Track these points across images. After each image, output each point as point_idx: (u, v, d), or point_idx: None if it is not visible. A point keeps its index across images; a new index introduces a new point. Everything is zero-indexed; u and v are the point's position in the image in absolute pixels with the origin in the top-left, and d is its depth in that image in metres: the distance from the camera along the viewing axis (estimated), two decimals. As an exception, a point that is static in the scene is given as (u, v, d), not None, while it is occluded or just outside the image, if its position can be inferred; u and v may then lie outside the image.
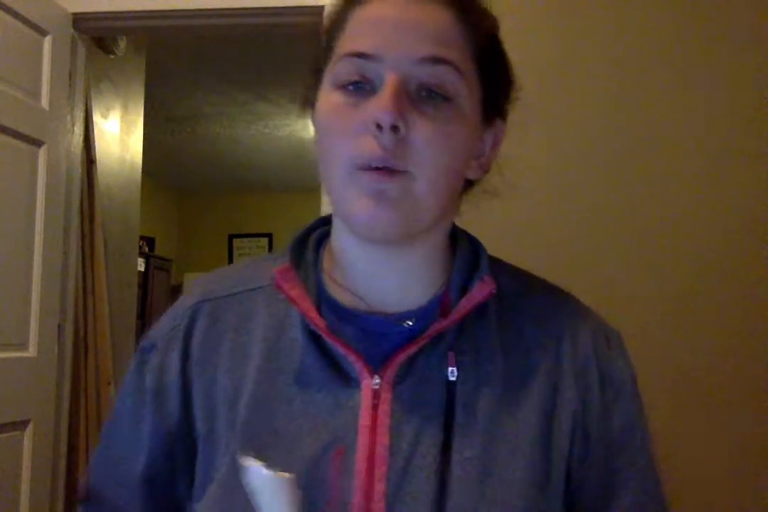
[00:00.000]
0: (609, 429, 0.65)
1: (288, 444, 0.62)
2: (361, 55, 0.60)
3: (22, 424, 2.09)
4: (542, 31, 2.05)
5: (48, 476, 2.21)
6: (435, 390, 0.62)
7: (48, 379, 2.22)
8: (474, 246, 0.70)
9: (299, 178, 6.14)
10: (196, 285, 0.74)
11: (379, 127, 0.57)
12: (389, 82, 0.58)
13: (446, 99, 0.60)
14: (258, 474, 0.57)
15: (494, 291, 0.64)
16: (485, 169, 0.69)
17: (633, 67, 2.02)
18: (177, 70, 4.03)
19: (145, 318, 5.29)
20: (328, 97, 0.62)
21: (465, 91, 0.61)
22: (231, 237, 6.92)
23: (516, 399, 0.63)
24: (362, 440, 0.61)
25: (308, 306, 0.64)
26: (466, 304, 0.63)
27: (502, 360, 0.64)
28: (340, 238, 0.68)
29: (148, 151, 3.50)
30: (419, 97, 0.60)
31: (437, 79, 0.60)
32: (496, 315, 0.66)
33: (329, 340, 0.63)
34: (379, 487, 0.60)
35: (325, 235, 0.72)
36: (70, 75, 2.34)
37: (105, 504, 0.73)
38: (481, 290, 0.64)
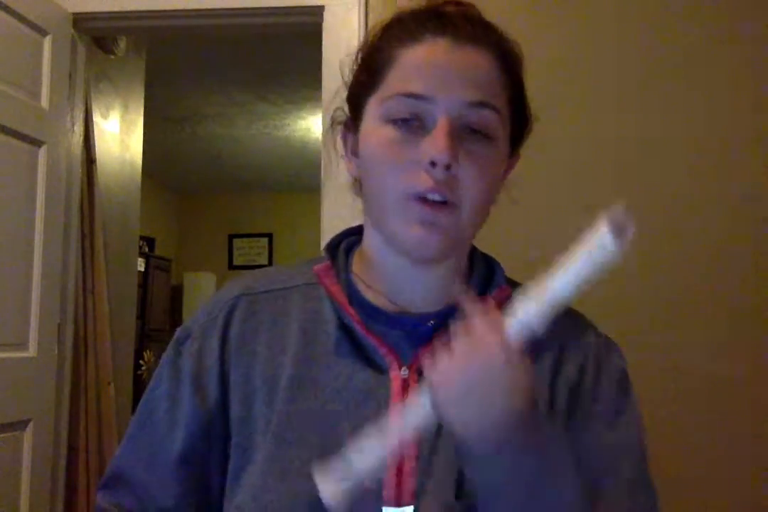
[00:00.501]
0: (591, 413, 0.71)
1: (325, 427, 0.69)
2: (415, 96, 0.66)
3: (22, 424, 2.09)
4: (547, 35, 2.05)
5: (48, 476, 2.21)
6: None
7: (48, 379, 2.22)
8: (488, 261, 0.78)
9: (299, 178, 6.14)
10: (234, 282, 0.80)
11: (433, 164, 0.65)
12: (442, 123, 0.65)
13: (488, 138, 0.68)
14: None
15: (510, 295, 0.71)
16: (501, 190, 0.76)
17: (638, 72, 2.02)
18: (177, 70, 4.03)
19: (145, 318, 5.30)
20: (379, 131, 0.68)
21: (502, 132, 0.70)
22: (231, 237, 6.92)
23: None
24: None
25: (345, 301, 0.72)
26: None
27: None
28: (379, 251, 0.74)
29: (148, 151, 3.50)
30: (465, 135, 0.67)
31: (482, 121, 0.67)
32: None
33: (362, 333, 0.71)
34: (409, 465, 0.67)
35: (354, 244, 0.79)
36: (70, 75, 2.34)
37: (132, 489, 0.75)
38: (499, 294, 0.72)
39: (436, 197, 0.65)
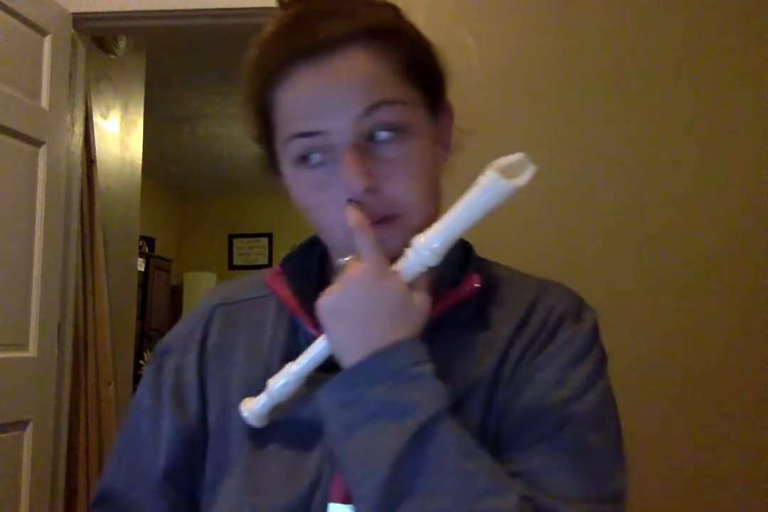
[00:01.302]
0: (535, 375, 0.66)
1: (302, 431, 0.67)
2: (305, 135, 0.64)
3: (22, 424, 2.09)
4: (544, 29, 2.05)
5: (48, 476, 2.21)
6: None
7: (48, 379, 2.22)
8: (464, 245, 0.75)
9: (299, 178, 6.14)
10: (211, 293, 0.80)
11: (354, 195, 0.63)
12: (344, 152, 0.62)
13: (398, 130, 0.64)
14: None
15: (478, 285, 0.69)
16: (449, 148, 0.73)
17: (634, 66, 2.02)
18: (177, 70, 4.03)
19: (145, 318, 5.30)
20: (295, 175, 0.67)
21: (409, 113, 0.65)
22: (231, 237, 6.92)
23: (471, 364, 0.67)
24: None
25: (296, 305, 0.71)
26: (449, 300, 0.69)
27: (469, 335, 0.69)
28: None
29: (148, 151, 3.50)
30: (373, 144, 0.64)
31: (380, 120, 0.63)
32: (477, 302, 0.71)
33: (315, 334, 0.68)
34: None
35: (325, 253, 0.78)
36: (70, 75, 2.34)
37: (119, 504, 0.73)
38: (466, 286, 0.69)
39: (374, 219, 0.63)
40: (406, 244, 0.63)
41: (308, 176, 0.65)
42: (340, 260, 0.66)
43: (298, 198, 0.68)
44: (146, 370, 0.77)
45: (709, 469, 1.86)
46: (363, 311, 0.61)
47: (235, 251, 6.92)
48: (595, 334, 0.70)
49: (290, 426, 0.68)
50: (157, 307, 5.64)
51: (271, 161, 0.71)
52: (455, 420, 0.59)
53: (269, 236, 6.88)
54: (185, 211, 7.02)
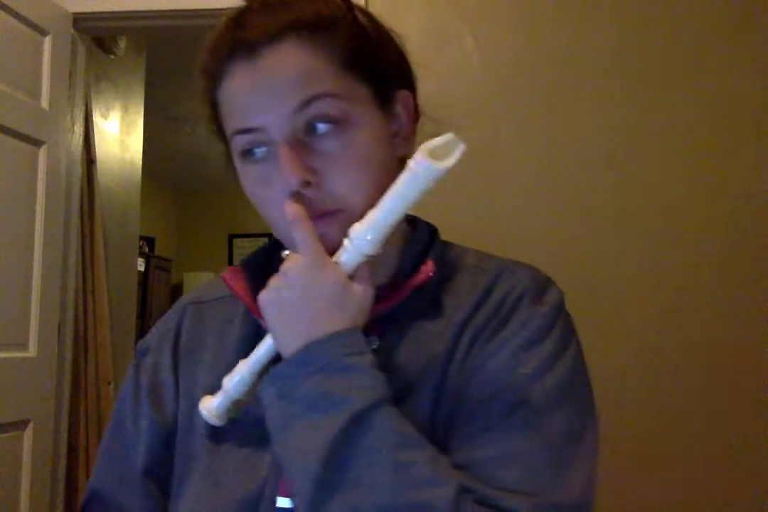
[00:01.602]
0: (485, 362, 0.64)
1: (258, 428, 0.65)
2: (244, 131, 0.64)
3: (22, 424, 2.09)
4: (544, 29, 2.05)
5: (48, 476, 2.21)
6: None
7: (48, 379, 2.22)
8: (431, 230, 0.74)
9: (299, 178, 6.14)
10: (188, 294, 0.82)
11: (293, 189, 0.62)
12: (280, 147, 0.63)
13: (337, 122, 0.63)
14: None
15: (431, 274, 0.66)
16: (411, 139, 0.71)
17: (634, 66, 2.02)
18: (177, 70, 4.02)
19: (145, 318, 5.30)
20: (242, 170, 0.67)
21: (348, 105, 0.64)
22: (231, 237, 6.92)
23: (425, 354, 0.66)
24: None
25: (250, 302, 0.69)
26: (406, 287, 0.67)
27: (425, 324, 0.68)
28: None
29: (148, 151, 3.50)
30: (313, 137, 0.63)
31: (317, 113, 0.62)
32: (433, 290, 0.69)
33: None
34: None
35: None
36: (70, 75, 2.34)
37: (107, 504, 0.74)
38: (421, 274, 0.67)
39: (314, 214, 0.63)
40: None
41: (253, 171, 0.66)
42: (282, 253, 0.67)
43: (247, 193, 0.68)
44: (128, 371, 0.78)
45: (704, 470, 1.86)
46: (300, 303, 0.61)
47: (235, 251, 6.91)
48: (556, 315, 0.66)
49: (247, 424, 0.68)
50: (157, 307, 5.64)
51: (228, 157, 0.71)
52: (394, 411, 0.58)
53: (269, 236, 6.83)
54: (185, 211, 7.02)
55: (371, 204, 0.62)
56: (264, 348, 0.66)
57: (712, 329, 1.92)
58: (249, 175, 0.67)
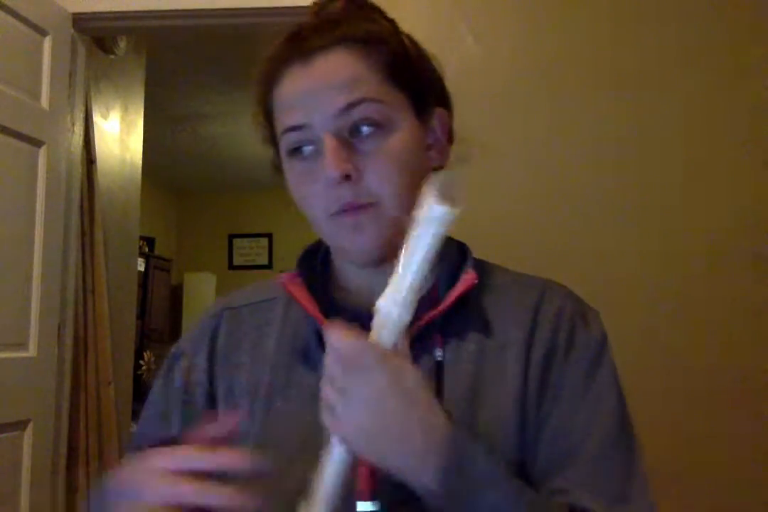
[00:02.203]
0: (564, 383, 0.70)
1: (302, 433, 0.68)
2: (293, 128, 0.71)
3: (22, 424, 2.09)
4: (544, 30, 2.05)
5: (48, 476, 2.21)
6: (426, 370, 0.69)
7: (48, 379, 2.22)
8: (460, 246, 0.78)
9: (299, 178, 6.13)
10: (220, 299, 0.85)
11: (333, 181, 0.68)
12: (325, 143, 0.69)
13: (379, 126, 0.70)
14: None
15: (476, 281, 0.71)
16: (445, 154, 0.77)
17: (634, 66, 2.02)
18: (177, 70, 4.02)
19: (145, 318, 5.29)
20: (289, 167, 0.74)
21: (390, 111, 0.71)
22: (231, 237, 6.91)
23: (496, 370, 0.71)
24: None
25: (312, 306, 0.73)
26: (452, 295, 0.71)
27: (483, 338, 0.72)
28: (337, 259, 0.79)
29: (148, 151, 3.50)
30: (356, 138, 0.70)
31: (361, 115, 0.69)
32: (479, 302, 0.74)
33: None
34: None
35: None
36: (70, 75, 2.34)
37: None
38: (464, 282, 0.71)
39: (350, 206, 0.69)
40: (381, 235, 0.69)
41: (299, 167, 0.72)
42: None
43: (292, 190, 0.74)
44: (160, 374, 0.81)
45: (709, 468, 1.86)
46: (398, 413, 0.58)
47: (235, 251, 6.91)
48: (605, 336, 0.74)
49: (293, 422, 0.71)
50: (157, 307, 5.64)
51: (277, 160, 0.77)
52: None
53: (269, 236, 6.88)
54: (185, 211, 7.01)
55: (401, 202, 0.68)
56: (333, 471, 0.60)
57: (713, 329, 1.92)
58: (295, 172, 0.73)
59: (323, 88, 0.70)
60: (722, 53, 2.00)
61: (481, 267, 0.76)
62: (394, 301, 0.59)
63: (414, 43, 0.77)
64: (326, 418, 0.60)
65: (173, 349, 0.82)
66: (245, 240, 6.91)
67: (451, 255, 0.77)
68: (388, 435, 0.58)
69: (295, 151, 0.72)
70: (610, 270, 1.96)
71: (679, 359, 1.92)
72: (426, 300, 0.71)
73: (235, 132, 5.20)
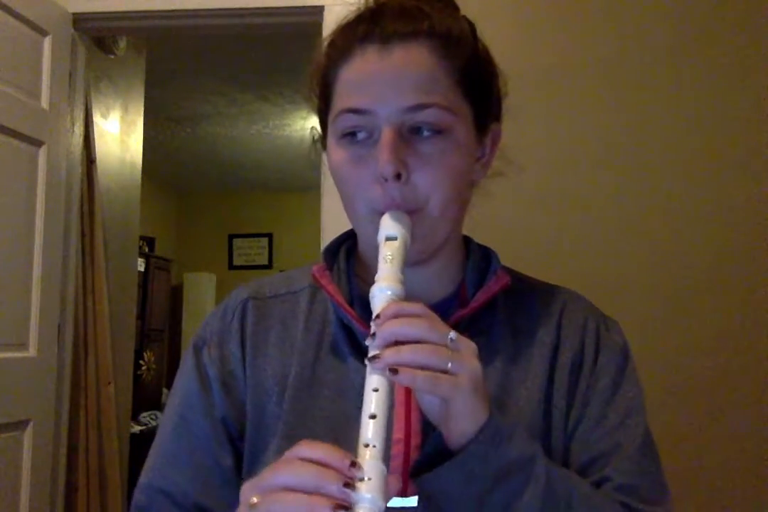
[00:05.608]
0: (594, 388, 0.73)
1: (333, 425, 0.69)
2: (355, 111, 0.68)
3: (22, 424, 2.09)
4: (544, 30, 2.05)
5: (48, 476, 2.21)
6: None
7: (48, 379, 2.22)
8: (485, 251, 0.79)
9: (299, 178, 6.14)
10: (243, 288, 0.82)
11: (384, 177, 0.66)
12: (384, 134, 0.67)
13: (440, 132, 0.68)
14: None
15: (509, 283, 0.73)
16: (486, 170, 0.77)
17: (634, 66, 2.02)
18: (177, 70, 4.02)
19: (145, 318, 5.29)
20: (336, 149, 0.71)
21: (454, 120, 0.69)
22: (231, 237, 6.91)
23: (523, 370, 0.72)
24: (399, 413, 0.67)
25: (342, 300, 0.73)
26: (483, 295, 0.73)
27: (510, 338, 0.74)
28: (367, 253, 0.76)
29: (148, 151, 3.50)
30: (414, 137, 0.68)
31: (427, 119, 0.67)
32: (505, 305, 0.76)
33: (361, 331, 0.70)
34: (415, 455, 0.67)
35: (354, 246, 0.81)
36: (70, 75, 2.34)
37: (183, 507, 0.71)
38: (496, 283, 0.73)
39: (395, 209, 0.67)
40: (422, 242, 0.68)
41: (350, 150, 0.69)
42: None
43: (335, 170, 0.72)
44: (183, 367, 0.77)
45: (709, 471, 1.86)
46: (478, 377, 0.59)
47: (235, 251, 6.91)
48: (627, 343, 0.77)
49: (324, 414, 0.71)
50: (157, 307, 5.63)
51: (322, 133, 0.75)
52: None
53: (269, 236, 6.88)
54: (185, 211, 7.02)
55: (445, 207, 0.69)
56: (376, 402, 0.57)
57: (714, 329, 1.92)
58: (342, 154, 0.70)
59: (397, 79, 0.67)
60: (722, 54, 2.00)
61: (507, 271, 0.77)
62: (387, 285, 0.61)
63: (488, 54, 0.75)
64: (432, 381, 0.56)
65: (195, 340, 0.78)
66: (245, 240, 6.91)
67: (476, 255, 0.78)
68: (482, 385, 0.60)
69: (349, 133, 0.69)
70: (611, 271, 1.96)
71: (681, 359, 1.92)
72: (454, 300, 0.75)
73: (235, 132, 5.20)
